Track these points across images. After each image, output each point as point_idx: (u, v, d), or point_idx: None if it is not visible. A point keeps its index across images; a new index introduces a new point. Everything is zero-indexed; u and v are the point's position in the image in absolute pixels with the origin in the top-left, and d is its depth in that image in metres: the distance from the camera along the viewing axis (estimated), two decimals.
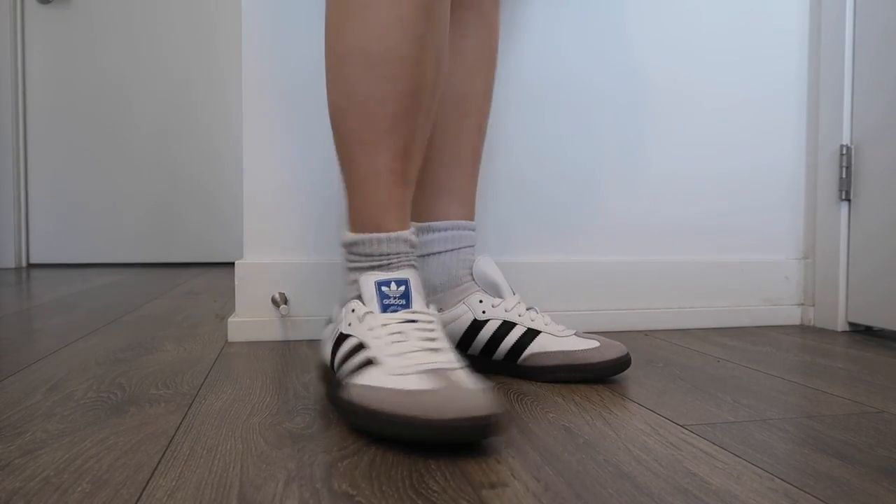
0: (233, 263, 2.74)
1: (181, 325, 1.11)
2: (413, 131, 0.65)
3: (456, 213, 0.81)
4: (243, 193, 0.97)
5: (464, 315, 0.76)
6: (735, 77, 1.15)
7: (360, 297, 0.62)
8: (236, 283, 0.97)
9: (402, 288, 0.61)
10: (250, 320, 0.96)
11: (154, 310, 1.29)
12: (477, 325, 0.75)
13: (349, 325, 0.61)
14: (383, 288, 0.61)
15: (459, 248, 0.80)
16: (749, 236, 1.17)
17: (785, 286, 1.17)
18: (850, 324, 1.11)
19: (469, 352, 0.77)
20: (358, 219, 0.65)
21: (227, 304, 1.40)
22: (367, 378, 0.55)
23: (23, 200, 2.54)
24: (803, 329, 1.12)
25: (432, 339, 0.58)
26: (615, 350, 0.73)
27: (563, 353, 0.73)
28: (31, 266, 2.55)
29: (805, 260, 1.18)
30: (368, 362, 0.57)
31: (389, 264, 0.64)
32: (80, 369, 0.77)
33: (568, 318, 1.06)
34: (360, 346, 0.58)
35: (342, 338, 0.61)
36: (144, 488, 0.43)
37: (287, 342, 0.95)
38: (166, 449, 0.51)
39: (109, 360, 0.83)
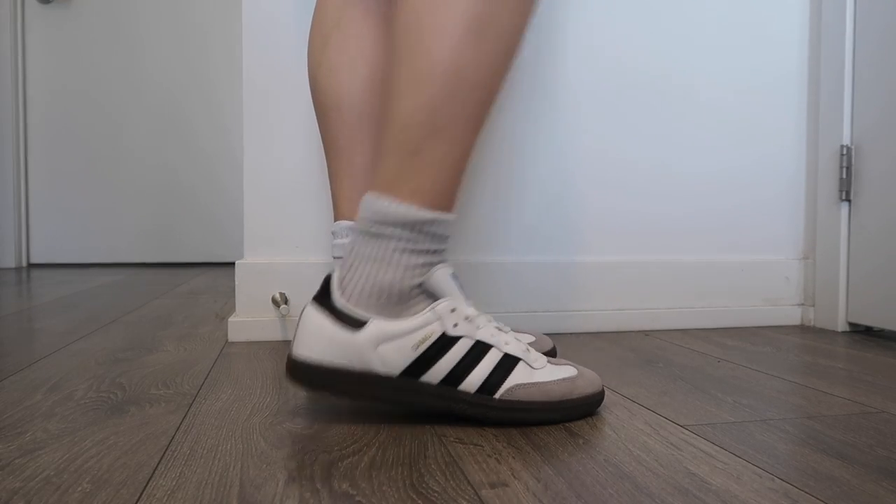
0: (233, 263, 2.74)
1: (181, 325, 1.11)
2: (363, 138, 0.70)
3: None
4: (243, 193, 0.97)
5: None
6: (735, 77, 1.15)
7: (426, 289, 0.59)
8: (236, 283, 0.97)
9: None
10: (250, 320, 0.96)
11: (154, 310, 1.29)
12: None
13: (455, 325, 0.57)
14: (456, 281, 0.59)
15: None
16: (749, 236, 1.17)
17: (785, 286, 1.17)
18: (851, 324, 1.11)
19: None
20: (437, 194, 0.60)
21: (227, 304, 1.40)
22: (522, 376, 0.58)
23: (23, 200, 2.54)
24: (803, 329, 1.12)
25: (507, 330, 0.62)
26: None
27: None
28: (31, 266, 2.55)
29: (805, 260, 1.18)
30: (509, 361, 0.58)
31: (445, 249, 0.62)
32: (80, 369, 0.77)
33: (568, 318, 1.06)
34: (481, 347, 0.58)
35: (450, 341, 0.57)
36: (144, 488, 0.43)
37: (287, 342, 0.95)
38: (166, 449, 0.51)
39: (109, 360, 0.83)
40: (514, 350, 0.59)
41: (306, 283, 0.98)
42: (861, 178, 1.08)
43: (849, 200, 1.10)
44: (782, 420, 0.60)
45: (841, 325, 1.10)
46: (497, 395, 0.57)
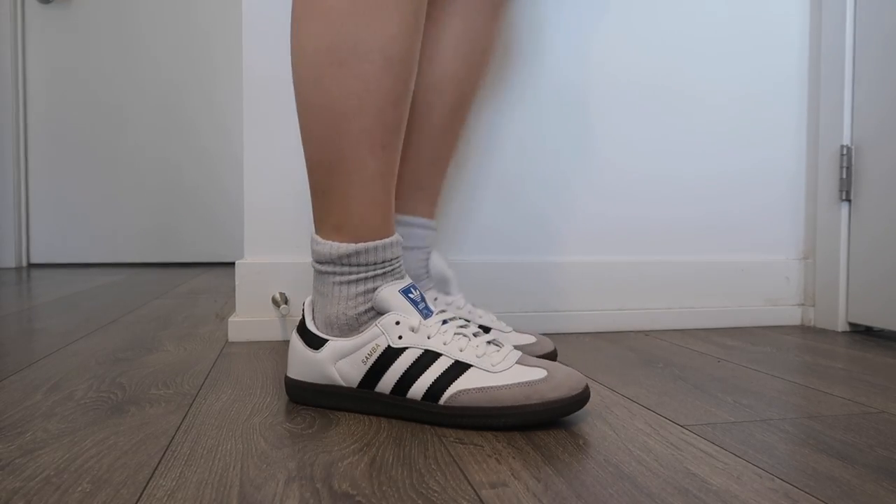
0: (233, 263, 2.74)
1: (181, 325, 1.11)
2: (405, 132, 0.66)
3: (423, 210, 0.82)
4: (244, 193, 0.98)
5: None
6: (735, 77, 1.15)
7: (378, 311, 0.61)
8: (237, 283, 0.97)
9: (418, 292, 0.62)
10: (250, 320, 0.96)
11: (154, 310, 1.29)
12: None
13: (399, 338, 0.59)
14: (410, 295, 0.61)
15: (422, 248, 0.80)
16: (749, 237, 1.17)
17: (785, 286, 1.17)
18: (851, 324, 1.11)
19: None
20: (355, 226, 0.62)
21: (227, 304, 1.40)
22: (471, 381, 0.57)
23: (23, 200, 2.54)
24: (804, 329, 1.12)
25: (480, 334, 0.62)
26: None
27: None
28: (31, 266, 2.55)
29: (805, 260, 1.18)
30: (458, 367, 0.58)
31: (393, 270, 0.63)
32: (80, 369, 0.77)
33: (569, 318, 1.06)
34: (430, 356, 0.58)
35: (395, 352, 0.59)
36: (145, 488, 0.43)
37: (287, 342, 0.95)
38: (166, 449, 0.51)
39: (110, 359, 0.83)
40: (467, 356, 0.58)
41: (306, 283, 0.98)
42: (861, 178, 1.08)
43: (849, 200, 1.10)
44: (782, 420, 0.60)
45: (841, 326, 1.10)
46: (441, 402, 0.57)
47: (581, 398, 0.57)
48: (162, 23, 2.64)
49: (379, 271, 0.62)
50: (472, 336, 0.60)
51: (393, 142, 0.63)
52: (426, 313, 0.61)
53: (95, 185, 2.62)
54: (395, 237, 0.63)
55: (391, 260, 0.63)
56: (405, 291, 0.61)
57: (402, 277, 0.63)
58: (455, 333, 0.60)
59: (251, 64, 0.97)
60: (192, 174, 2.69)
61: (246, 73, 0.97)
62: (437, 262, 0.80)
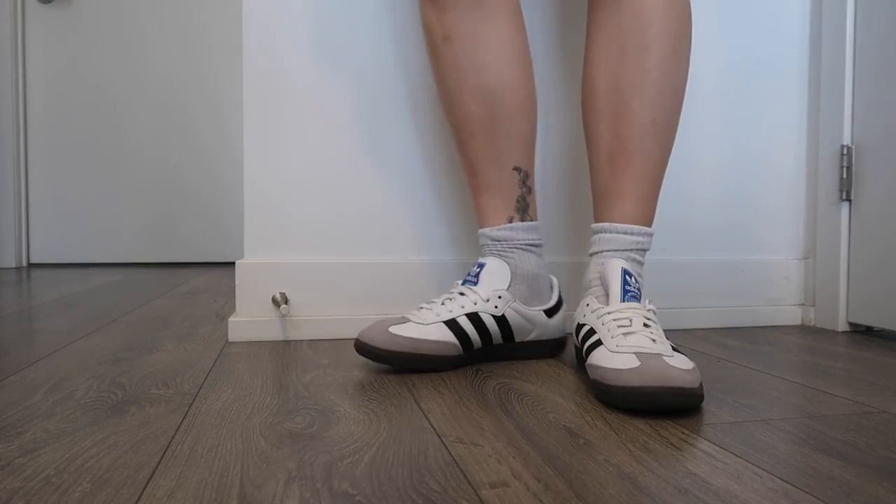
0: (233, 263, 2.74)
1: (181, 324, 1.11)
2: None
3: (602, 215, 0.82)
4: (244, 193, 0.98)
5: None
6: (735, 76, 1.15)
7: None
8: (237, 282, 0.97)
9: (480, 269, 0.83)
10: (250, 320, 0.96)
11: (154, 310, 1.29)
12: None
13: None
14: (472, 270, 0.84)
15: (600, 252, 0.80)
16: (749, 236, 1.17)
17: (785, 286, 1.17)
18: (851, 324, 1.11)
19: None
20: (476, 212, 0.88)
21: (227, 304, 1.40)
22: (402, 329, 0.77)
23: (23, 200, 2.54)
24: (804, 329, 1.12)
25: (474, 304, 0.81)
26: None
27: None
28: (31, 266, 2.55)
29: (806, 260, 1.18)
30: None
31: (492, 251, 0.85)
32: (80, 369, 0.77)
33: (569, 319, 1.06)
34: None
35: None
36: (145, 488, 0.43)
37: (287, 342, 0.96)
38: (166, 449, 0.51)
39: (110, 359, 0.83)
40: (422, 309, 0.79)
41: (306, 283, 0.98)
42: (861, 178, 1.08)
43: (849, 200, 1.10)
44: (782, 420, 0.60)
45: (841, 325, 1.10)
46: None
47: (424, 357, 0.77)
48: (162, 22, 2.64)
49: (486, 249, 0.86)
50: (465, 302, 0.79)
51: (475, 154, 0.84)
52: (471, 283, 0.81)
53: (95, 184, 2.62)
54: (486, 230, 0.85)
55: (487, 244, 0.85)
56: (476, 265, 0.83)
57: (495, 257, 0.84)
58: (460, 293, 0.80)
59: (251, 64, 0.97)
60: (191, 174, 2.69)
61: (246, 73, 0.97)
62: (604, 270, 0.76)
